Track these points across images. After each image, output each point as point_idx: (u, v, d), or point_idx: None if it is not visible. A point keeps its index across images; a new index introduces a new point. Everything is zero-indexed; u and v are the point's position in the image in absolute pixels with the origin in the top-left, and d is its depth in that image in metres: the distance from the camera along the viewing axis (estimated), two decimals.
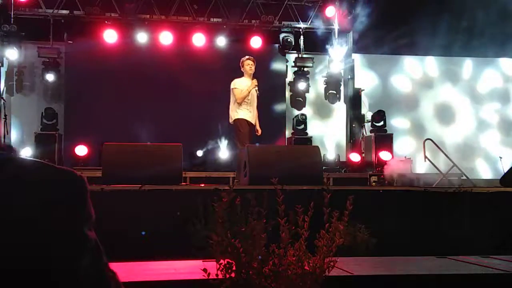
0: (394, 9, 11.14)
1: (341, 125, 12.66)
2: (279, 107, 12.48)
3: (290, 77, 12.59)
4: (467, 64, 13.12)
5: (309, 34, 12.46)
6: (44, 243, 0.84)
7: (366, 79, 12.75)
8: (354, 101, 12.35)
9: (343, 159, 12.21)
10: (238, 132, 8.01)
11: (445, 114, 12.92)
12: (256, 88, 8.00)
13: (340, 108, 12.73)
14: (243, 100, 7.91)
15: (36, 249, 0.84)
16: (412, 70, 13.03)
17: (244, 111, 7.95)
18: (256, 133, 8.06)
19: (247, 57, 8.14)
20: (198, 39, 11.61)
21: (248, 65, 8.02)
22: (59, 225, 0.86)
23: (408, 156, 11.68)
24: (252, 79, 8.00)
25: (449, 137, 12.63)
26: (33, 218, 0.85)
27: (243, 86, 7.95)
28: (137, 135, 11.12)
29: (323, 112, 12.74)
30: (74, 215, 0.88)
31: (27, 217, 0.84)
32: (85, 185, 0.92)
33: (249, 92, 7.92)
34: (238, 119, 7.96)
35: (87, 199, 0.91)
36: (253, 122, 8.03)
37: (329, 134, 12.66)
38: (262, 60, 12.43)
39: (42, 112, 10.99)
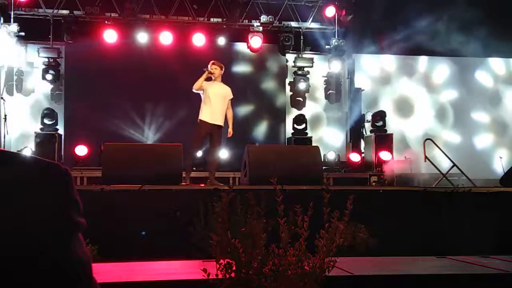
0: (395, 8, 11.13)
1: (341, 125, 12.66)
2: (279, 107, 12.49)
3: (290, 77, 12.60)
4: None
5: (309, 34, 12.46)
6: (32, 228, 0.87)
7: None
8: (354, 101, 12.35)
9: (343, 159, 12.21)
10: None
11: None
12: (229, 92, 8.04)
13: (340, 108, 12.73)
14: (197, 88, 8.00)
15: (24, 235, 0.86)
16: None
17: (204, 112, 7.99)
18: (227, 135, 8.07)
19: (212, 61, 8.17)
20: (198, 39, 11.61)
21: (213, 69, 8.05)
22: (46, 211, 0.89)
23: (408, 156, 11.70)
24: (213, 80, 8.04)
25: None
26: (19, 206, 0.87)
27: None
28: (137, 135, 11.13)
29: (323, 112, 12.74)
30: (59, 200, 0.91)
31: (13, 205, 0.87)
32: (68, 174, 0.95)
33: (203, 79, 7.94)
34: (199, 120, 8.02)
35: (71, 186, 0.94)
36: (214, 122, 7.98)
37: (329, 134, 12.67)
38: (262, 60, 12.49)
39: (42, 112, 10.99)
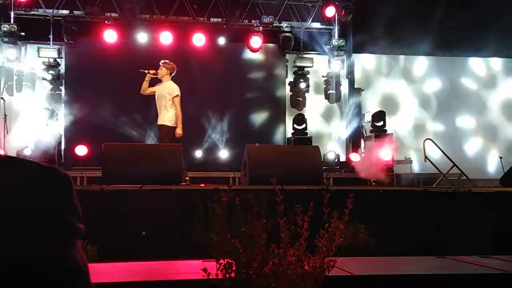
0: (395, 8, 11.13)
1: (341, 125, 12.66)
2: (279, 107, 12.48)
3: (290, 77, 12.60)
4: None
5: (309, 34, 12.47)
6: (33, 231, 0.87)
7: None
8: (354, 101, 12.35)
9: (343, 159, 12.21)
10: None
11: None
12: (169, 90, 8.03)
13: (340, 108, 12.73)
14: (142, 92, 8.20)
15: (25, 237, 0.87)
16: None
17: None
18: (175, 135, 7.91)
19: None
20: (198, 39, 11.61)
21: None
22: (47, 215, 0.89)
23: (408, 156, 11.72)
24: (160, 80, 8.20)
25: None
26: (21, 209, 0.87)
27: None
28: (137, 135, 11.13)
29: (323, 112, 12.74)
30: (59, 205, 0.91)
31: (15, 208, 0.87)
32: (69, 180, 0.95)
33: (147, 83, 8.12)
34: None
35: (71, 191, 0.94)
36: (158, 123, 8.10)
37: (329, 134, 12.66)
38: (262, 60, 12.49)
39: (42, 112, 10.99)
